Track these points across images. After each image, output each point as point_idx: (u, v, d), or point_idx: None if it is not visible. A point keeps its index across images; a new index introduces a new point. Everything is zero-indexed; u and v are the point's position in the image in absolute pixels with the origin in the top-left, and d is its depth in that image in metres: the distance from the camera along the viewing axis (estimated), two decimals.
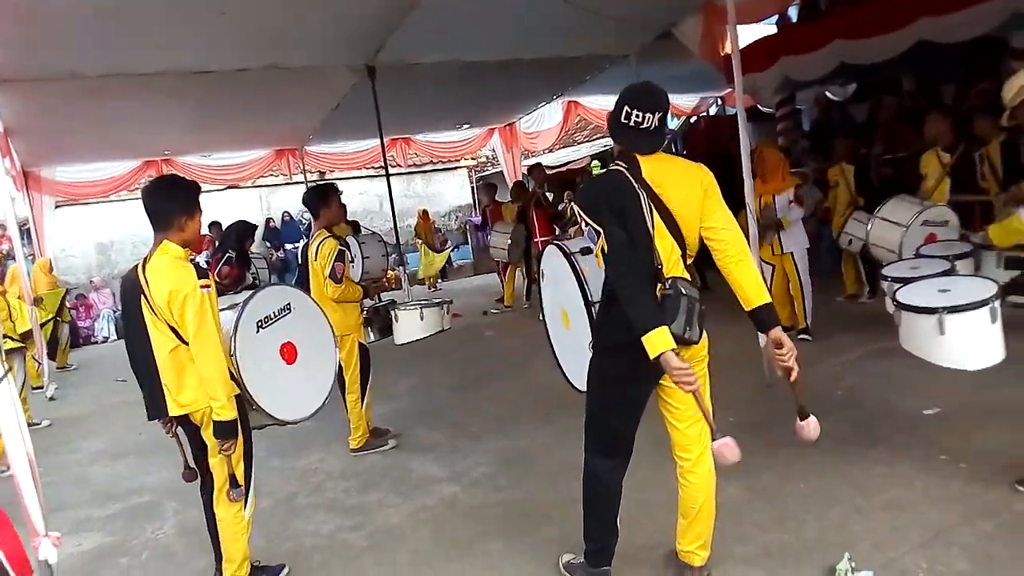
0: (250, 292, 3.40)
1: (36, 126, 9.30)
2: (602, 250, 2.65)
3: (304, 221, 15.93)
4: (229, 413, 2.98)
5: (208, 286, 2.97)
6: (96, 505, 4.73)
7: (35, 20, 5.74)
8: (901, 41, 7.86)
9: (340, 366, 4.42)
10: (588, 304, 2.84)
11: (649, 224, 2.58)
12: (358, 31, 7.64)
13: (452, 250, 16.54)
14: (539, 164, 10.73)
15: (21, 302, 8.15)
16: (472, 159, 18.74)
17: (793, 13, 10.04)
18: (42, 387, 8.64)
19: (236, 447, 3.04)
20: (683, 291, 2.56)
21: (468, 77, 10.04)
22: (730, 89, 12.62)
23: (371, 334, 5.18)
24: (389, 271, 15.53)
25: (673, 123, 15.67)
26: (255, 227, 9.08)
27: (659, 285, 2.57)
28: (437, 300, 5.41)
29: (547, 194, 10.13)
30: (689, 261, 2.69)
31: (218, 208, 13.51)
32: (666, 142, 14.12)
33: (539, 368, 6.88)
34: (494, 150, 15.96)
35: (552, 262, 3.32)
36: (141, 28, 6.49)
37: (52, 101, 8.20)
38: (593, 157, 16.79)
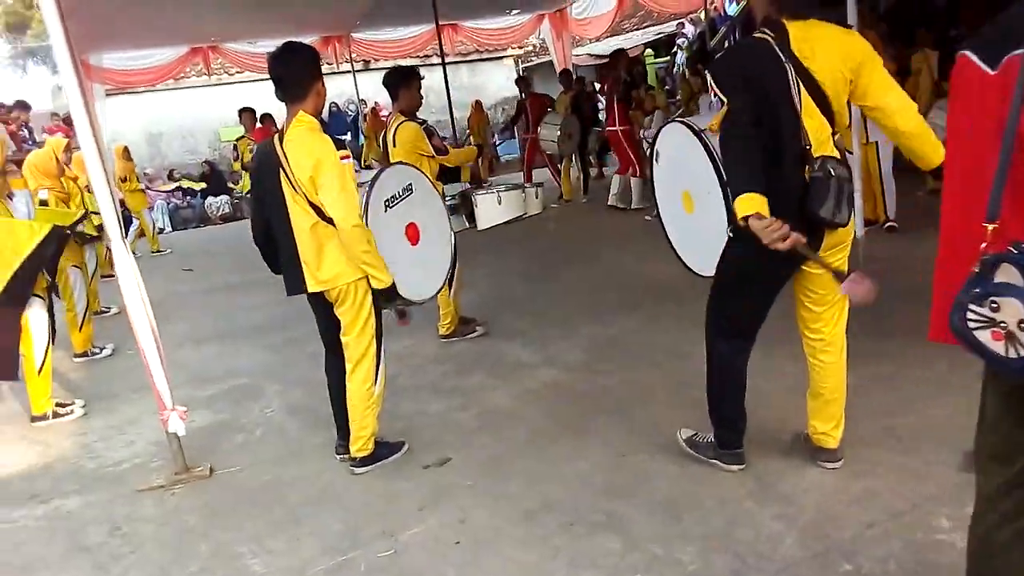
0: (376, 171, 3.35)
1: (86, 9, 9.10)
2: (723, 119, 2.54)
3: (350, 112, 15.68)
4: (389, 278, 3.05)
5: (348, 157, 2.94)
6: (194, 387, 4.86)
7: None
8: None
9: None
10: (724, 185, 2.73)
11: (797, 101, 2.44)
12: None
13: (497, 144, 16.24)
14: (623, 50, 10.27)
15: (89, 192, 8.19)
16: (519, 48, 18.14)
17: None
18: (112, 275, 8.78)
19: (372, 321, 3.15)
20: (832, 171, 2.45)
21: None
22: None
23: (460, 221, 5.14)
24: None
25: (732, 8, 14.94)
26: None
27: (806, 167, 2.47)
28: (521, 184, 5.33)
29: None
30: (838, 137, 2.57)
31: (265, 98, 13.31)
32: (724, 30, 13.58)
33: (612, 257, 6.89)
34: (543, 38, 15.40)
35: (673, 141, 3.19)
36: None
37: None
38: (646, 46, 16.13)
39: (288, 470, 3.53)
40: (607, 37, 16.17)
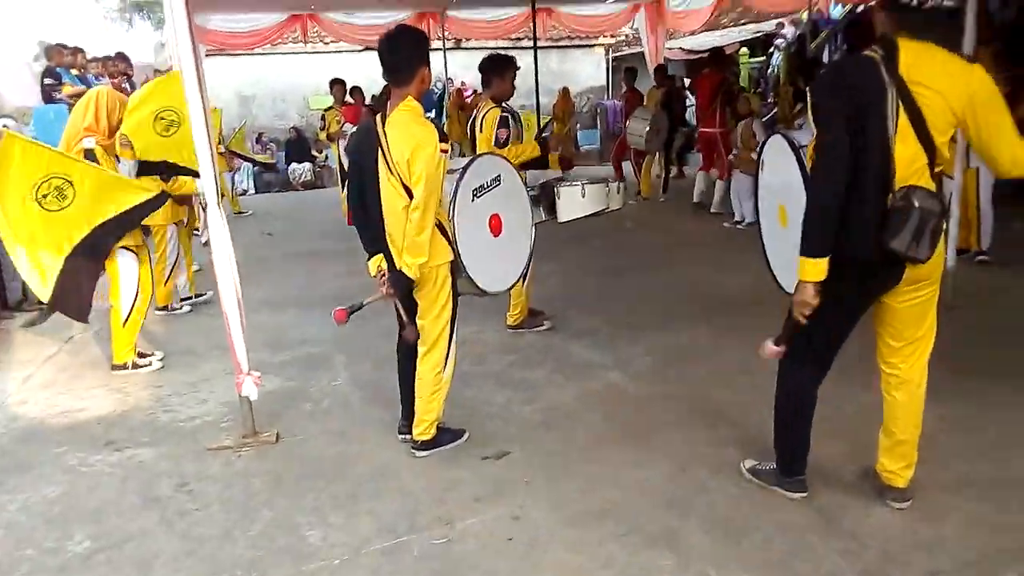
0: (469, 159, 3.38)
1: None
2: (814, 152, 2.47)
3: (436, 89, 15.76)
4: (415, 272, 3.06)
5: (447, 151, 2.98)
6: (268, 351, 4.99)
7: None
8: None
9: None
10: None
11: (890, 125, 2.34)
12: None
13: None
14: (723, 50, 10.10)
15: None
16: (611, 37, 17.92)
17: None
18: (197, 232, 9.07)
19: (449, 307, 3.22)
20: (916, 203, 2.34)
21: None
22: None
23: (539, 213, 5.12)
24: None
25: (836, 10, 14.40)
26: None
27: (889, 195, 2.37)
28: (603, 177, 5.28)
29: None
30: (938, 169, 2.45)
31: (355, 70, 13.53)
32: (826, 33, 13.08)
33: (688, 264, 6.78)
34: (636, 28, 15.15)
35: (775, 153, 3.11)
36: None
37: None
38: (742, 44, 15.71)
39: (351, 445, 3.61)
40: (702, 32, 15.82)
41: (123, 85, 10.15)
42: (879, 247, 2.38)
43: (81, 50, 9.44)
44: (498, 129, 4.61)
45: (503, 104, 4.72)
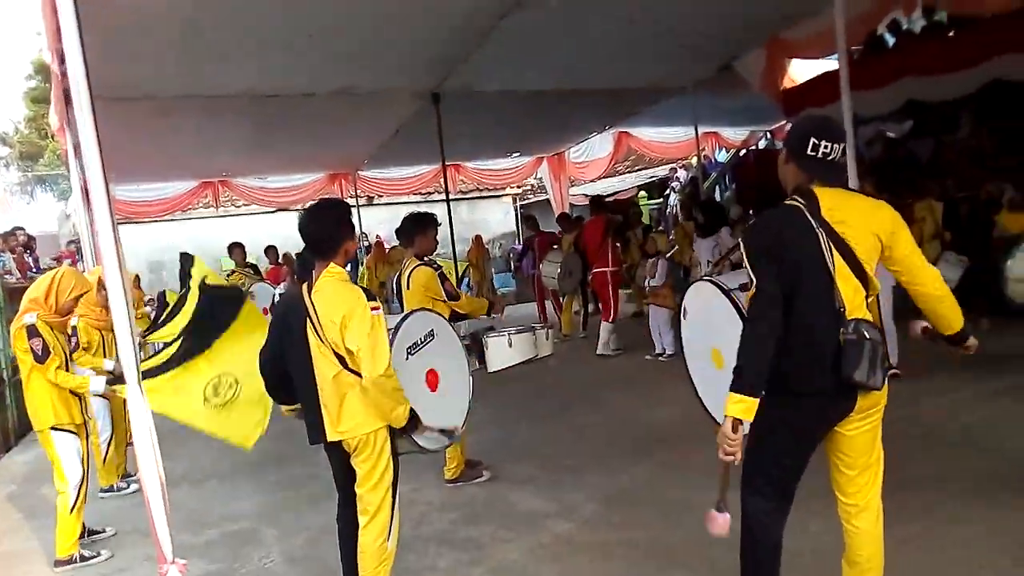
0: (401, 316, 3.37)
1: (104, 143, 9.42)
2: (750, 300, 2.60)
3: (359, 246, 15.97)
4: (405, 416, 3.02)
5: (378, 308, 2.96)
6: (189, 531, 4.64)
7: (121, 40, 5.78)
8: (975, 78, 7.87)
9: None
10: None
11: (829, 265, 2.50)
12: (428, 56, 7.72)
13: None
14: (600, 197, 10.73)
15: None
16: (517, 187, 18.82)
17: None
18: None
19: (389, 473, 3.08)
20: (867, 335, 2.48)
21: (526, 106, 10.12)
22: (783, 122, 12.68)
23: (472, 361, 5.12)
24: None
25: (721, 155, 15.66)
26: None
27: (840, 330, 2.50)
28: (531, 325, 5.35)
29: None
30: (870, 300, 2.62)
31: (269, 231, 13.62)
32: (715, 175, 14.16)
33: (619, 401, 6.83)
34: (541, 178, 16.00)
35: (702, 298, 3.25)
36: (219, 51, 6.61)
37: (122, 120, 8.24)
38: (640, 188, 16.77)
39: None
40: (602, 179, 16.84)
41: (25, 259, 9.88)
42: (837, 379, 2.47)
43: None
44: (444, 284, 4.70)
45: (426, 259, 4.81)
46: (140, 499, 3.40)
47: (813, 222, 2.51)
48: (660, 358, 8.26)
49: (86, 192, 11.41)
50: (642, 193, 16.68)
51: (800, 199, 2.57)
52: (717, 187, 14.34)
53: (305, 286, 3.09)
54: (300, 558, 4.10)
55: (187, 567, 3.41)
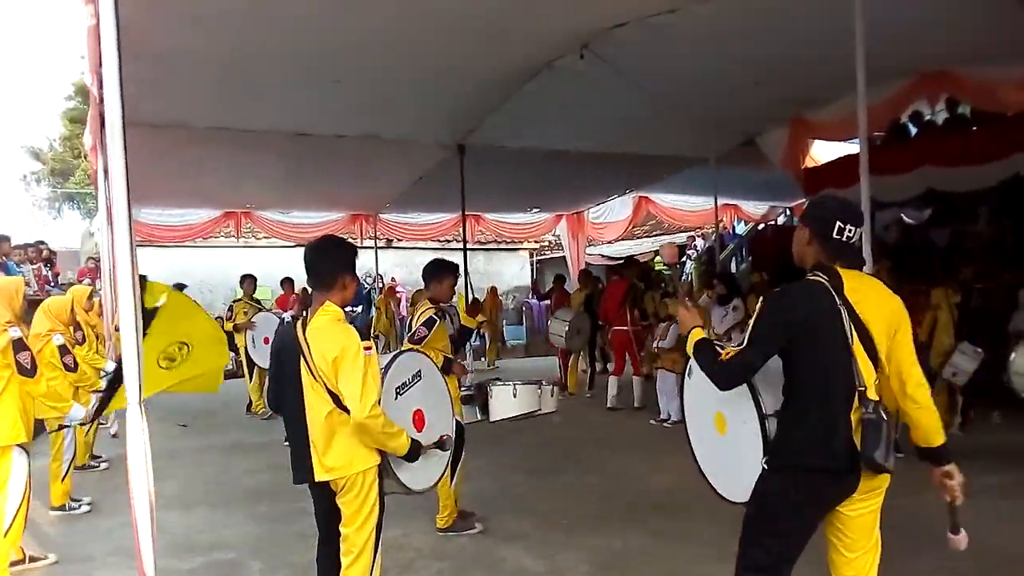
0: (389, 357, 3.39)
1: (135, 168, 9.60)
2: (733, 353, 2.62)
3: (366, 285, 16.11)
4: (407, 443, 3.06)
5: (370, 348, 2.98)
6: (176, 556, 4.60)
7: (162, 70, 5.99)
8: (996, 172, 7.95)
9: None
10: (762, 416, 2.74)
11: (850, 342, 2.51)
12: (455, 110, 7.94)
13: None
14: (634, 258, 10.91)
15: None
16: (535, 242, 18.98)
17: None
18: (104, 422, 8.59)
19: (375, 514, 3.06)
20: (884, 416, 2.48)
21: (549, 164, 10.31)
22: (802, 200, 12.79)
23: (472, 412, 5.12)
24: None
25: (740, 228, 15.77)
26: None
27: (859, 408, 2.50)
28: (538, 380, 5.36)
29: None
30: (879, 383, 2.60)
31: (286, 265, 13.75)
32: (732, 247, 14.23)
33: (617, 461, 6.78)
34: (559, 235, 16.16)
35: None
36: (255, 88, 6.82)
37: (153, 146, 8.46)
38: (656, 253, 16.88)
39: None
40: (620, 241, 16.98)
41: (44, 272, 10.03)
42: (848, 457, 2.46)
43: (6, 238, 9.36)
44: (419, 326, 4.67)
45: (440, 305, 4.85)
46: (127, 520, 3.39)
47: (836, 299, 2.53)
48: (665, 423, 8.21)
49: (110, 213, 11.62)
50: (658, 258, 16.75)
51: (823, 275, 2.59)
52: (733, 258, 14.41)
53: (300, 323, 3.12)
54: None
55: None
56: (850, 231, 2.58)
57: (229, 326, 10.62)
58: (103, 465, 7.21)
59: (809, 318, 2.56)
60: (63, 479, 5.74)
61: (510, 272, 19.60)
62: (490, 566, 4.37)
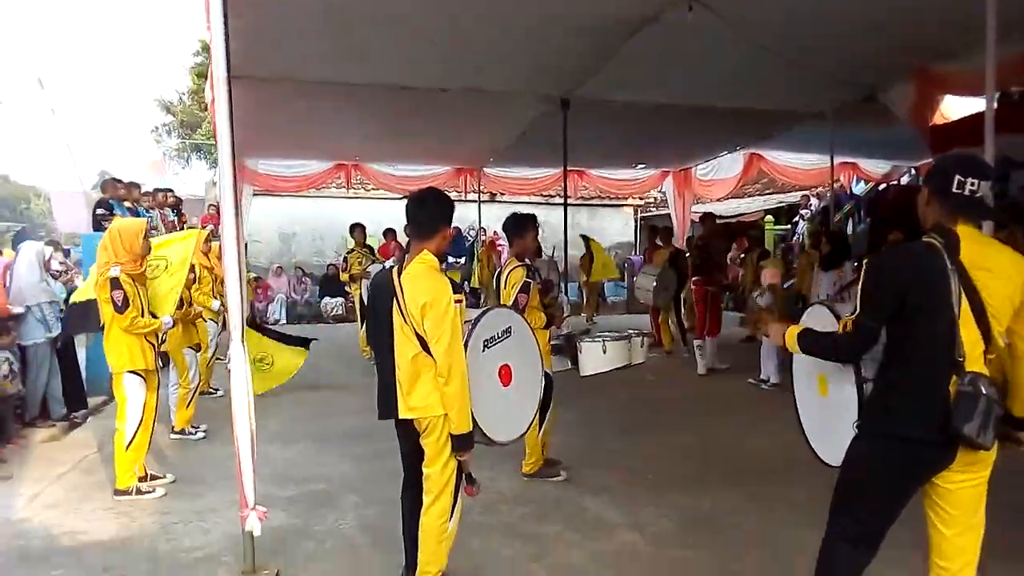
0: (481, 310, 3.46)
1: (251, 120, 9.97)
2: (847, 324, 2.53)
3: (469, 237, 16.35)
4: (468, 425, 3.06)
5: (460, 300, 3.05)
6: (275, 485, 4.91)
7: (273, 23, 6.17)
8: None
9: None
10: (860, 381, 2.63)
11: (955, 311, 2.36)
12: (560, 63, 7.77)
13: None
14: (711, 214, 10.53)
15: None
16: (639, 198, 18.64)
17: None
18: (222, 358, 9.16)
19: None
20: (983, 390, 2.32)
21: (656, 119, 10.00)
22: (929, 159, 11.93)
23: (563, 362, 5.16)
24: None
25: (858, 187, 14.92)
26: None
27: (955, 379, 2.36)
28: (627, 332, 5.32)
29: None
30: (991, 358, 2.44)
31: (393, 215, 14.10)
32: (849, 207, 13.50)
33: (713, 423, 6.66)
34: (664, 192, 15.78)
35: (817, 323, 3.12)
36: (362, 41, 6.91)
37: (269, 99, 8.75)
38: (767, 212, 16.23)
39: None
40: (728, 198, 16.42)
41: (170, 217, 10.68)
42: (943, 430, 2.34)
43: (136, 185, 10.00)
44: (519, 293, 4.68)
45: (525, 261, 4.86)
46: (230, 449, 3.64)
47: (948, 263, 2.37)
48: (763, 385, 7.98)
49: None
50: (768, 217, 16.11)
51: (938, 237, 2.43)
52: (850, 220, 13.66)
53: (395, 268, 3.22)
54: (371, 525, 4.25)
55: (267, 515, 3.64)
56: (972, 184, 2.40)
57: (345, 276, 11.04)
58: (219, 392, 7.73)
59: (915, 281, 2.41)
60: (188, 405, 6.21)
61: (613, 228, 19.37)
62: (571, 514, 4.42)
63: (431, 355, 3.05)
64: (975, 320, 2.36)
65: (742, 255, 12.21)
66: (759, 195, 17.72)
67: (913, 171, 13.88)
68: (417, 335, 3.07)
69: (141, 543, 4.03)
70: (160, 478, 4.93)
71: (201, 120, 25.52)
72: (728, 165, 14.00)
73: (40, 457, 5.55)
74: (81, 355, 7.17)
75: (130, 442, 4.71)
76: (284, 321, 14.99)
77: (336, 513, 4.49)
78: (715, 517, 4.40)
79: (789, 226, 15.21)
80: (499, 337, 3.48)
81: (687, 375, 8.97)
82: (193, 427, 6.26)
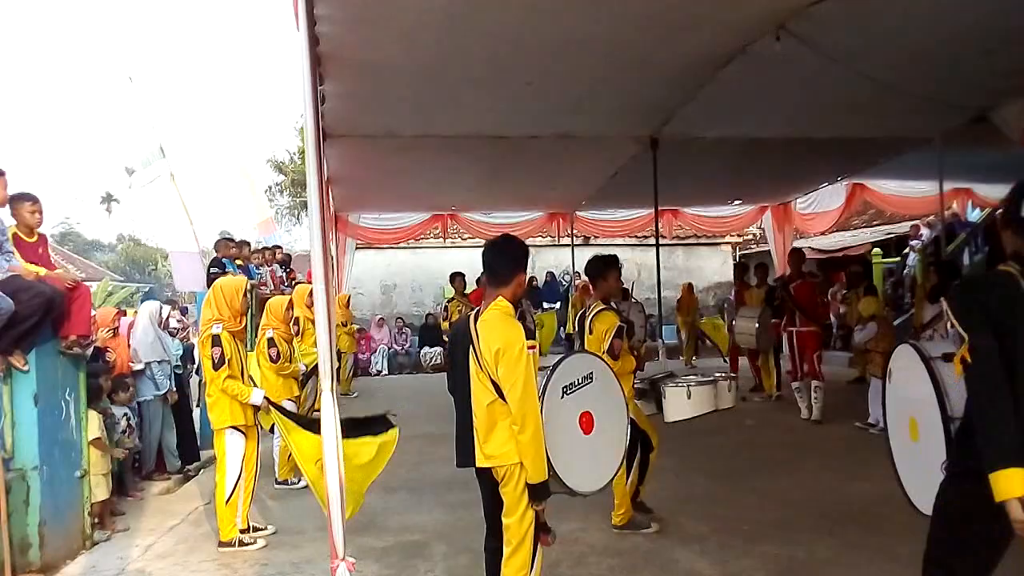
0: (559, 357, 3.48)
1: (351, 176, 10.53)
2: (963, 359, 2.35)
3: (564, 283, 16.41)
4: (543, 475, 3.07)
5: (534, 347, 3.10)
6: (371, 535, 5.04)
7: (367, 83, 6.50)
8: None
9: None
10: (946, 419, 2.50)
11: None
12: (647, 103, 7.81)
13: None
14: (799, 251, 10.08)
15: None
16: (737, 235, 18.25)
17: None
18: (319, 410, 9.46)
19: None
20: None
21: (749, 153, 9.85)
22: None
23: (648, 407, 5.08)
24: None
25: (974, 214, 14.08)
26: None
27: None
28: (713, 376, 5.19)
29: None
30: None
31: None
32: (964, 236, 12.77)
33: (811, 468, 6.38)
34: (763, 228, 15.40)
35: (905, 363, 3.00)
36: (454, 95, 7.17)
37: (368, 155, 9.24)
38: (875, 244, 15.52)
39: None
40: (832, 232, 15.83)
41: (278, 274, 11.26)
42: None
43: (247, 243, 10.64)
44: (613, 339, 4.65)
45: (612, 304, 4.84)
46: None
47: None
48: (871, 429, 7.56)
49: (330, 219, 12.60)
50: (877, 250, 15.38)
51: (1015, 265, 2.32)
52: (966, 249, 12.86)
53: (473, 315, 3.30)
54: (460, 575, 4.28)
55: (356, 566, 3.73)
56: None
57: (445, 325, 11.28)
58: None
59: (998, 309, 2.28)
60: (289, 457, 6.46)
61: (710, 268, 19.01)
62: (662, 566, 4.32)
63: (506, 402, 3.10)
64: None
65: (844, 291, 11.67)
66: (867, 226, 17.01)
67: None
68: (492, 382, 3.12)
69: None
70: (261, 530, 5.13)
71: None
72: (830, 197, 13.53)
73: (155, 509, 5.90)
74: (196, 411, 7.61)
75: (230, 497, 4.93)
76: (386, 372, 15.44)
77: (427, 564, 4.56)
78: (809, 568, 4.22)
79: (899, 258, 14.46)
80: (579, 383, 3.48)
81: (787, 420, 8.60)
82: (296, 477, 6.50)
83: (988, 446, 2.19)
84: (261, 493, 6.07)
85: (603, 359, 3.86)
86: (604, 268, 4.90)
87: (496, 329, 3.15)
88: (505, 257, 3.32)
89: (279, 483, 6.43)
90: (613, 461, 3.62)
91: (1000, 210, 2.45)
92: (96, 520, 5.20)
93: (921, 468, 2.71)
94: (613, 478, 3.67)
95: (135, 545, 5.07)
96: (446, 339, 14.63)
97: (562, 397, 3.37)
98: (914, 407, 2.83)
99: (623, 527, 4.91)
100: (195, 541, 5.14)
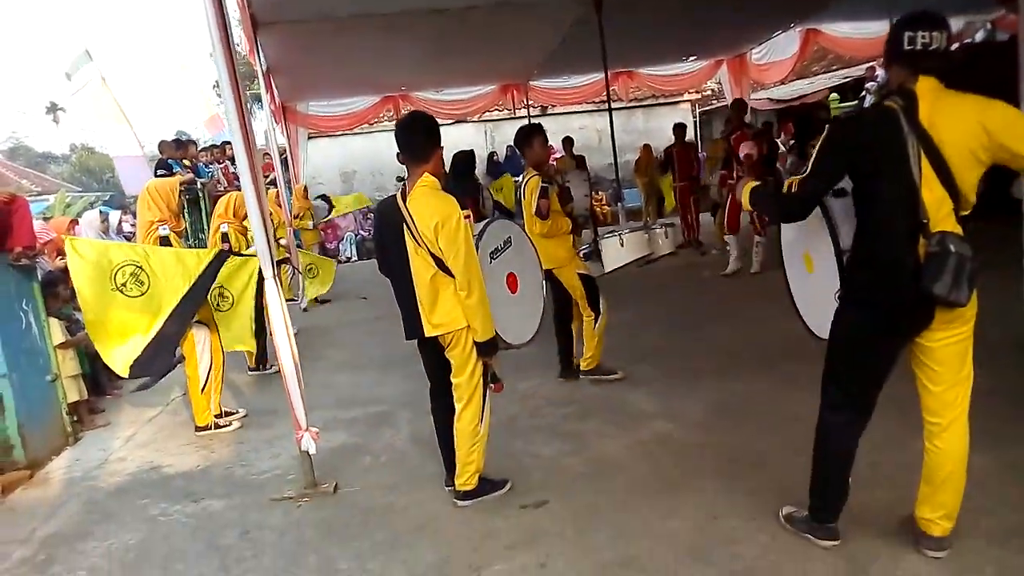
0: (482, 225, 3.59)
1: (293, 64, 10.23)
2: (790, 186, 2.58)
3: None
4: (491, 332, 3.29)
5: (468, 216, 3.20)
6: (341, 409, 5.30)
7: None
8: None
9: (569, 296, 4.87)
10: (839, 252, 2.66)
11: (915, 174, 2.35)
12: None
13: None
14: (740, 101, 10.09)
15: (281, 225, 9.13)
16: (696, 93, 18.03)
17: None
18: (294, 299, 9.63)
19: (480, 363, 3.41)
20: (951, 248, 2.33)
21: (698, 6, 9.61)
22: (1003, 11, 11.00)
23: (598, 267, 5.29)
24: (605, 206, 15.39)
25: None
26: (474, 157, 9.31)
27: (923, 242, 2.37)
28: (645, 224, 5.38)
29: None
30: (964, 213, 2.42)
31: (447, 142, 14.21)
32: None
33: (757, 313, 6.65)
34: (720, 83, 15.24)
35: None
36: None
37: (306, 41, 8.95)
38: (832, 90, 15.45)
39: (400, 497, 3.78)
40: (791, 80, 15.69)
41: (232, 169, 11.10)
42: (916, 291, 2.37)
43: (192, 142, 10.43)
44: (539, 199, 4.79)
45: (540, 172, 4.92)
46: (309, 380, 3.97)
47: (906, 126, 2.36)
48: None
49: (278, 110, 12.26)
50: (834, 95, 15.33)
51: (899, 100, 2.41)
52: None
53: (400, 194, 3.36)
54: (423, 438, 4.53)
55: (325, 436, 3.98)
56: (924, 37, 2.35)
57: None
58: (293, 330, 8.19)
59: (871, 148, 2.41)
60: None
61: (672, 127, 18.85)
62: (612, 410, 4.62)
63: (448, 272, 3.22)
64: (939, 179, 2.34)
65: (791, 141, 11.74)
66: (824, 72, 16.84)
67: (988, 26, 12.88)
68: (433, 255, 3.23)
69: (219, 470, 4.47)
70: (234, 414, 5.37)
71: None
72: (784, 45, 13.34)
73: (133, 405, 6.11)
74: None
75: (204, 385, 5.13)
76: (355, 258, 15.49)
77: (392, 430, 4.82)
78: (747, 401, 4.54)
79: (856, 102, 14.45)
80: (502, 247, 3.65)
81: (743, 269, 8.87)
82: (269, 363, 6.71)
83: (756, 204, 2.88)
84: (237, 380, 6.30)
85: (519, 225, 4.02)
86: (528, 136, 4.96)
87: (430, 205, 3.22)
88: (418, 135, 3.35)
89: (252, 370, 6.64)
90: (537, 314, 3.84)
91: (885, 44, 2.50)
92: (75, 418, 5.40)
93: (817, 298, 2.89)
94: (538, 328, 3.91)
95: (116, 437, 5.30)
96: None
97: (490, 262, 3.52)
98: (808, 242, 2.98)
99: (590, 372, 5.19)
100: (173, 429, 5.38)
